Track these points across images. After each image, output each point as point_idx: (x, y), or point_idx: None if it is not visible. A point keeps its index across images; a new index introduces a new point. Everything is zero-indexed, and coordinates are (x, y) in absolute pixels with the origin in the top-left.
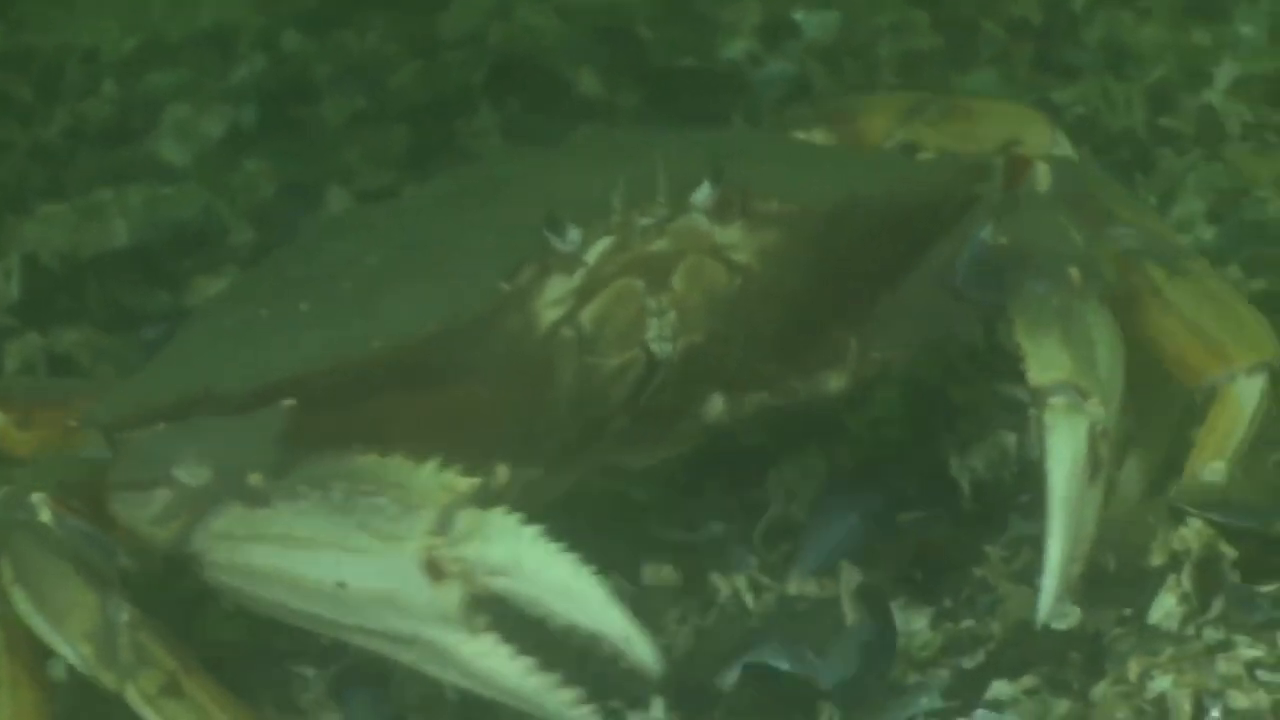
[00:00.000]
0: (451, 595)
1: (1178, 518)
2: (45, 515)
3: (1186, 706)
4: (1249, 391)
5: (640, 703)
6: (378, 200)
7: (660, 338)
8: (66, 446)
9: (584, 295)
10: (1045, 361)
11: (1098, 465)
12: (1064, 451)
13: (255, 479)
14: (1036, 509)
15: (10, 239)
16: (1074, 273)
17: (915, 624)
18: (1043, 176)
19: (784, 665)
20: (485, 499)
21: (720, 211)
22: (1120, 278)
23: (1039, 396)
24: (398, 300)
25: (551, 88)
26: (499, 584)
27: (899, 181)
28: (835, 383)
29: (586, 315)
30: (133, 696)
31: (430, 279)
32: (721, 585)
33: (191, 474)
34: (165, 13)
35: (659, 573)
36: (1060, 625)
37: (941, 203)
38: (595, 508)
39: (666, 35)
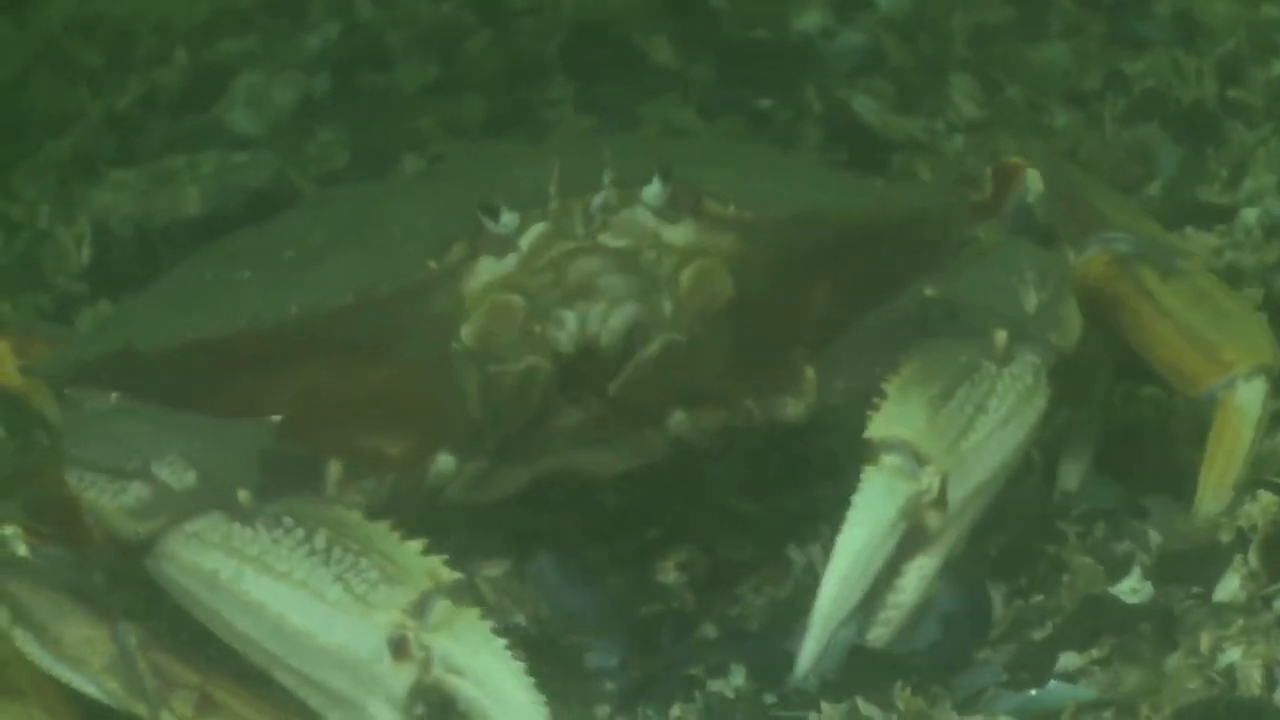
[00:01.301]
0: (406, 677)
1: (1252, 489)
2: (21, 548)
3: (1257, 677)
4: (1249, 398)
5: (720, 671)
6: None
7: (599, 331)
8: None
9: (514, 281)
10: (895, 417)
11: (918, 535)
12: (865, 513)
13: (244, 496)
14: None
15: (81, 206)
16: (999, 335)
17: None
18: (1034, 183)
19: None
20: (463, 595)
21: (669, 209)
22: (1111, 283)
23: (872, 450)
24: (326, 270)
25: (625, 58)
26: (451, 682)
27: (871, 201)
28: (793, 409)
29: (518, 300)
30: None
31: (362, 253)
32: (796, 557)
33: (174, 475)
34: None
35: (736, 547)
36: (1132, 600)
37: (916, 228)
38: (669, 479)
39: (739, 6)
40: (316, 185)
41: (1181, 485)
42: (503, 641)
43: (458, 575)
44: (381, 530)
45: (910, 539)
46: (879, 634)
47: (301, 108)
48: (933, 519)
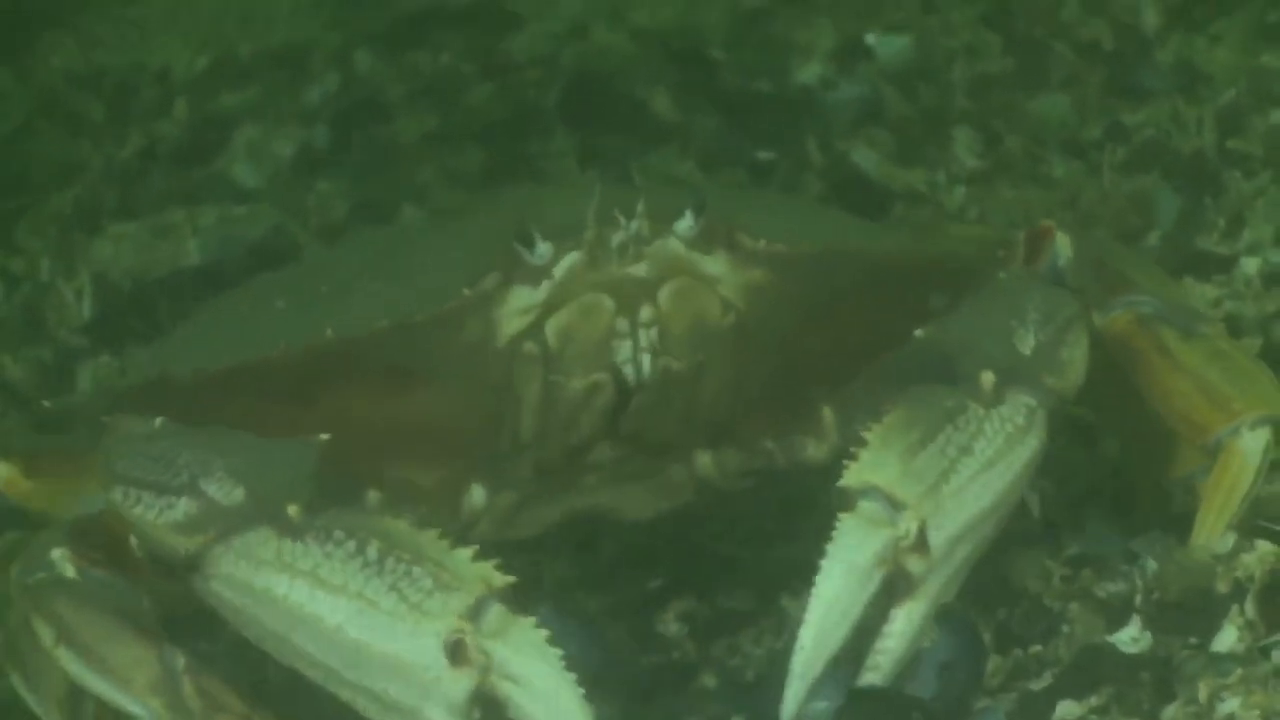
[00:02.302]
0: (464, 683)
1: (1249, 539)
2: (69, 570)
3: None
4: (1253, 445)
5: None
6: None
7: (630, 360)
8: (72, 490)
9: (548, 310)
10: (872, 464)
11: (902, 580)
12: (839, 562)
13: (293, 510)
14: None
15: (81, 258)
16: (985, 377)
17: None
18: (1064, 248)
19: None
20: (516, 601)
21: (701, 241)
22: (1132, 339)
23: (847, 497)
24: (361, 299)
25: (625, 110)
26: (506, 689)
27: (899, 245)
28: (814, 451)
29: (550, 329)
30: None
31: (397, 282)
32: (792, 607)
33: (222, 490)
34: (237, 32)
35: (736, 596)
36: (1131, 649)
37: (943, 272)
38: (669, 527)
39: (740, 58)
40: (316, 237)
41: (1172, 531)
42: (558, 652)
43: (510, 579)
44: (431, 538)
45: (894, 585)
46: (870, 680)
47: (301, 160)
48: (915, 564)
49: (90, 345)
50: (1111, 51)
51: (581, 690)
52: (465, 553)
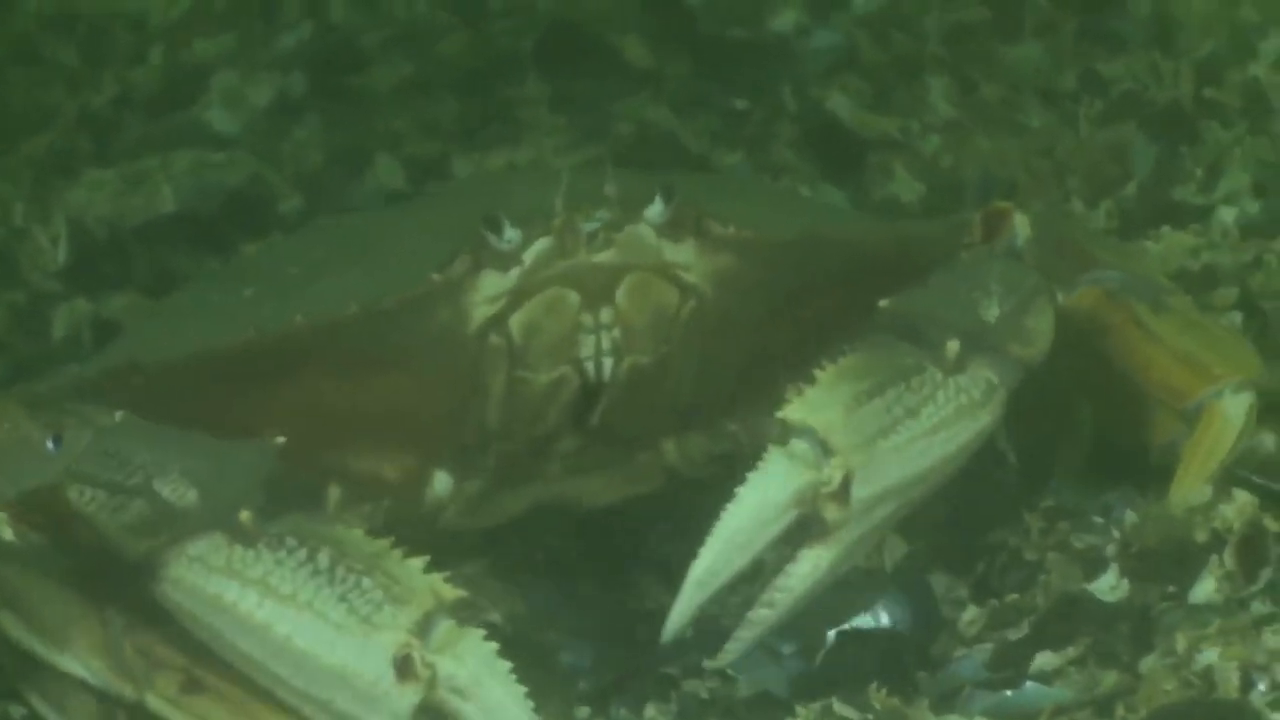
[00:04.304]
0: (411, 696)
1: (1227, 490)
2: (7, 533)
3: (1234, 679)
4: (1235, 408)
5: (695, 670)
6: (426, 168)
7: (594, 357)
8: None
9: (517, 298)
10: (813, 404)
11: (816, 525)
12: (755, 491)
13: (245, 517)
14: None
15: (57, 204)
16: (951, 346)
17: (958, 595)
18: (1022, 228)
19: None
20: (466, 614)
21: (671, 228)
22: (1101, 314)
23: (782, 431)
24: (329, 285)
25: (599, 57)
26: (454, 703)
27: (865, 230)
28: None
29: (515, 323)
30: (155, 703)
31: (366, 268)
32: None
33: (176, 493)
34: None
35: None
36: (1109, 598)
37: (906, 256)
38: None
39: (714, 5)
40: (292, 185)
41: (1149, 487)
42: (507, 665)
43: (460, 593)
44: (383, 548)
45: (807, 527)
46: (762, 615)
47: (277, 107)
48: (832, 512)
49: (64, 290)
50: (1087, 0)
51: (531, 704)
52: (417, 564)
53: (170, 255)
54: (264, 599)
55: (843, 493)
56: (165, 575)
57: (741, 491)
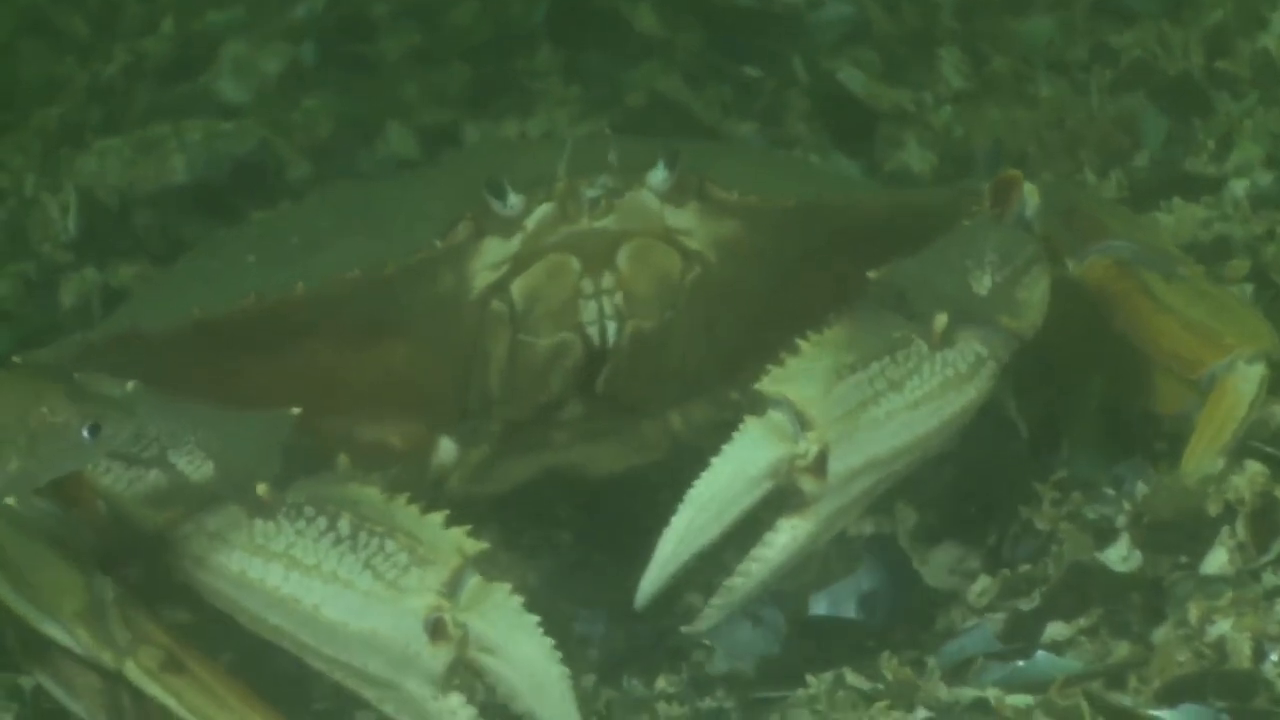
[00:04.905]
0: (443, 657)
1: (1239, 461)
2: (10, 498)
3: (1246, 650)
4: (1248, 378)
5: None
6: (437, 137)
7: (597, 321)
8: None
9: (520, 263)
10: (792, 375)
11: (793, 496)
12: (729, 462)
13: (262, 490)
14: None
15: (67, 174)
16: (939, 319)
17: (969, 566)
18: (1031, 197)
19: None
20: (490, 567)
21: (674, 193)
22: (1112, 283)
23: (760, 401)
24: (333, 252)
25: (610, 26)
26: (484, 660)
27: (870, 197)
28: None
29: (517, 288)
30: (133, 673)
31: (370, 235)
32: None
33: (192, 465)
34: None
35: None
36: (1121, 568)
37: (912, 224)
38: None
39: None
40: (302, 154)
41: (1161, 458)
42: (534, 619)
43: (483, 545)
44: (402, 506)
45: (784, 498)
46: (738, 584)
47: (287, 77)
48: (808, 485)
49: (75, 260)
50: None
51: (559, 655)
52: (437, 519)
53: (180, 225)
54: (289, 572)
55: (819, 466)
56: (186, 551)
57: (716, 461)
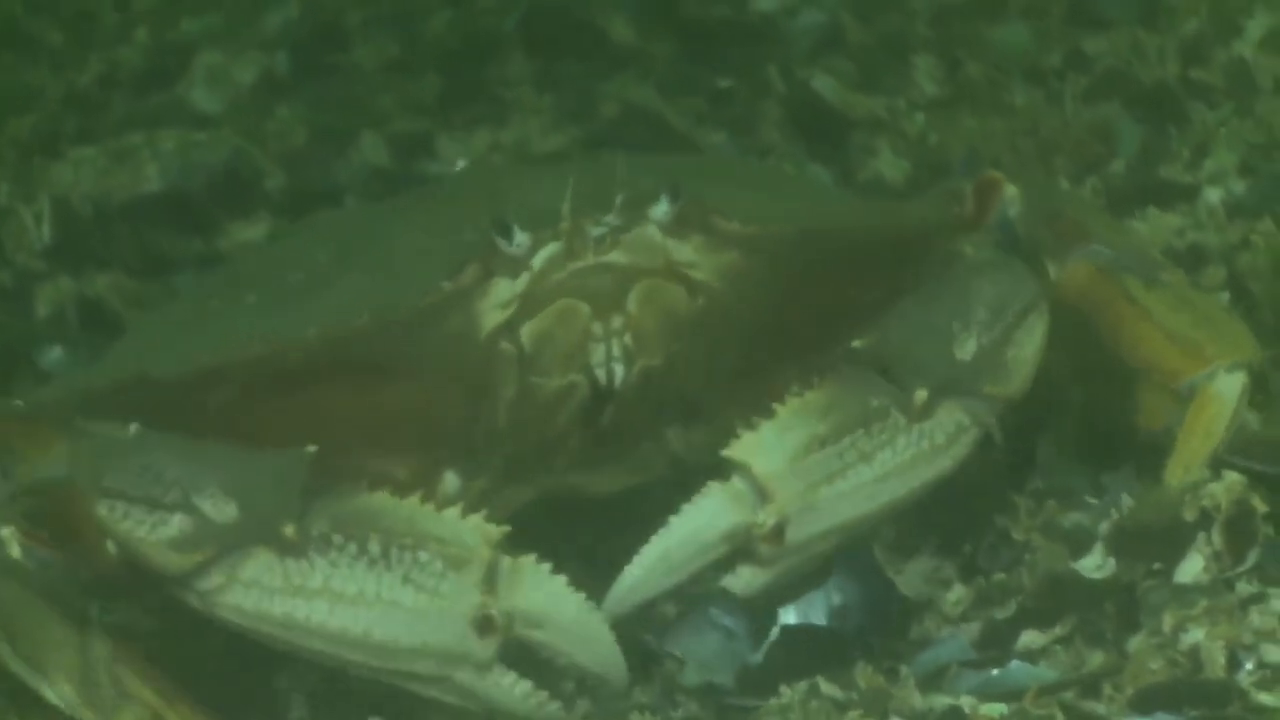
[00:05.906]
0: (491, 646)
1: (1215, 470)
2: (15, 550)
3: (1220, 658)
4: (1229, 388)
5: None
6: (410, 147)
7: (605, 363)
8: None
9: (527, 303)
10: (761, 444)
11: (750, 556)
12: (687, 523)
13: (289, 530)
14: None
15: (41, 183)
16: (920, 394)
17: (944, 575)
18: (1013, 199)
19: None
20: (513, 545)
21: (677, 227)
22: (1093, 290)
23: (727, 467)
24: (339, 293)
25: (584, 36)
26: (533, 635)
27: (867, 217)
28: None
29: (526, 332)
30: None
31: (375, 274)
32: None
33: (215, 508)
34: None
35: None
36: (1095, 576)
37: (906, 239)
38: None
39: None
40: (276, 163)
41: (1141, 468)
42: (562, 578)
43: (505, 528)
44: (418, 508)
45: (741, 556)
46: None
47: (261, 86)
48: (765, 550)
49: (49, 269)
50: None
51: (597, 609)
52: (454, 513)
53: (155, 233)
54: (334, 606)
55: (776, 535)
56: (223, 603)
57: (674, 520)
